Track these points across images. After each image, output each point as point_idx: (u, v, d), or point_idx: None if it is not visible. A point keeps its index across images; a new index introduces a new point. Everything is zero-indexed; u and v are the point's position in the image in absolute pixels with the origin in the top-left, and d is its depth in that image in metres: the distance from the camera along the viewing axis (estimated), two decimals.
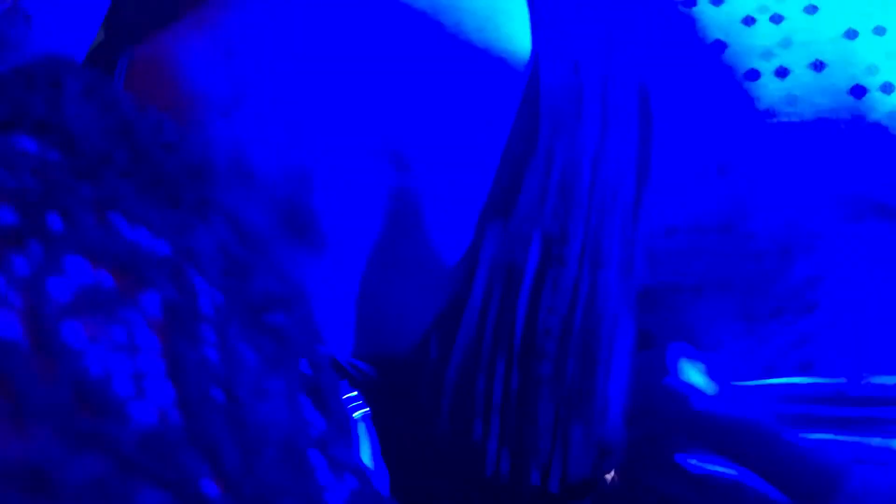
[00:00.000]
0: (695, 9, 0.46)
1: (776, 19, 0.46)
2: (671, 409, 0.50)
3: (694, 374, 0.50)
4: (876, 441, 0.50)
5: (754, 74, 0.45)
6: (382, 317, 0.36)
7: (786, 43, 0.45)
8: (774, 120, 0.45)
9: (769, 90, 0.45)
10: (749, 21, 0.45)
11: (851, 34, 0.46)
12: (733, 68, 0.45)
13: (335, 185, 0.35)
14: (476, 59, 0.35)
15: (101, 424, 0.16)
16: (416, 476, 0.37)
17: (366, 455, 0.34)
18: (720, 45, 0.45)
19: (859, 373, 0.49)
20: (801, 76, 0.46)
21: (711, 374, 0.51)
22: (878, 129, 0.46)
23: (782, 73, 0.45)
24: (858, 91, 0.46)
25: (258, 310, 0.20)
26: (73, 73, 0.23)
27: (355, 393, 0.34)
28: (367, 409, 0.35)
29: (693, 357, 0.51)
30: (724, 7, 0.46)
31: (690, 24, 0.46)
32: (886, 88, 0.46)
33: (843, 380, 0.49)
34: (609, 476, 0.44)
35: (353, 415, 0.34)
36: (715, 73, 0.45)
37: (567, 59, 0.37)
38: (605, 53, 0.38)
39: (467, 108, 0.35)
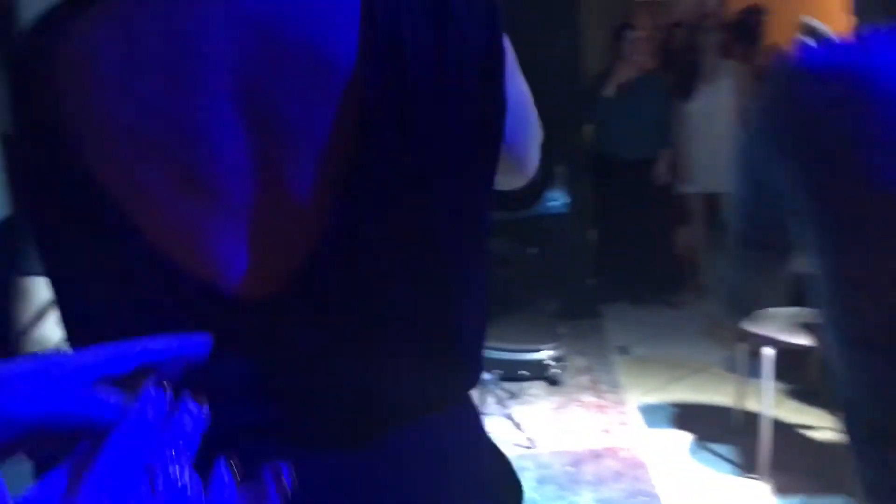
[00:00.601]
0: None
1: None
2: None
3: None
4: None
5: None
6: (260, 260, 0.41)
7: None
8: None
9: None
10: None
11: None
12: None
13: (218, 151, 0.39)
14: (311, 55, 0.40)
15: None
16: (285, 396, 0.42)
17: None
18: None
19: None
20: None
21: None
22: None
23: None
24: None
25: None
26: None
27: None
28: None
29: None
30: None
31: None
32: None
33: None
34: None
35: None
36: None
37: (389, 57, 0.40)
38: (434, 38, 0.42)
39: (313, 94, 0.40)
